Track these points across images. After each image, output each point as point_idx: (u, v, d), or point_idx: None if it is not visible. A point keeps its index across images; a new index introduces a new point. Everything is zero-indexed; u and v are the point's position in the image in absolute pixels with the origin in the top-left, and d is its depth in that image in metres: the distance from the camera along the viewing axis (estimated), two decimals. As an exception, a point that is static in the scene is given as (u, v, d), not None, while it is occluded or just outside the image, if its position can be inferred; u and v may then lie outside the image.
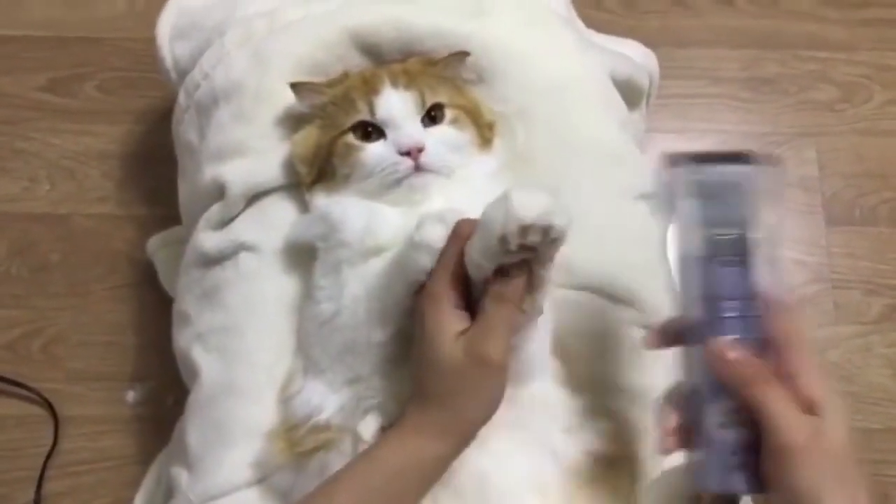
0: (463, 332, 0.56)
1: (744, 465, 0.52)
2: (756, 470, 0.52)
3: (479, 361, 0.55)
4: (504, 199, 0.51)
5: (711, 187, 0.54)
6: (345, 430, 0.64)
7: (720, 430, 0.53)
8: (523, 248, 0.53)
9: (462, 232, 0.56)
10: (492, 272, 0.55)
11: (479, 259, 0.55)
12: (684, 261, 0.55)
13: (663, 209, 0.56)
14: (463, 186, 0.69)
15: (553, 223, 0.51)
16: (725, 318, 0.54)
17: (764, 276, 0.54)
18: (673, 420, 0.56)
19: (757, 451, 0.52)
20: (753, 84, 1.17)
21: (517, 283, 0.55)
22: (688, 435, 0.55)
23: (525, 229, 0.51)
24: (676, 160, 0.55)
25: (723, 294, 0.54)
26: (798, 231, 1.10)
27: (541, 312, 0.60)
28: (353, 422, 0.64)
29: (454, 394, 0.57)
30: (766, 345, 0.54)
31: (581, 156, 0.78)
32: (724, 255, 0.54)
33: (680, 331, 0.56)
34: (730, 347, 0.52)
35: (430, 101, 0.70)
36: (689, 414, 0.55)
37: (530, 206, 0.51)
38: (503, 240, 0.52)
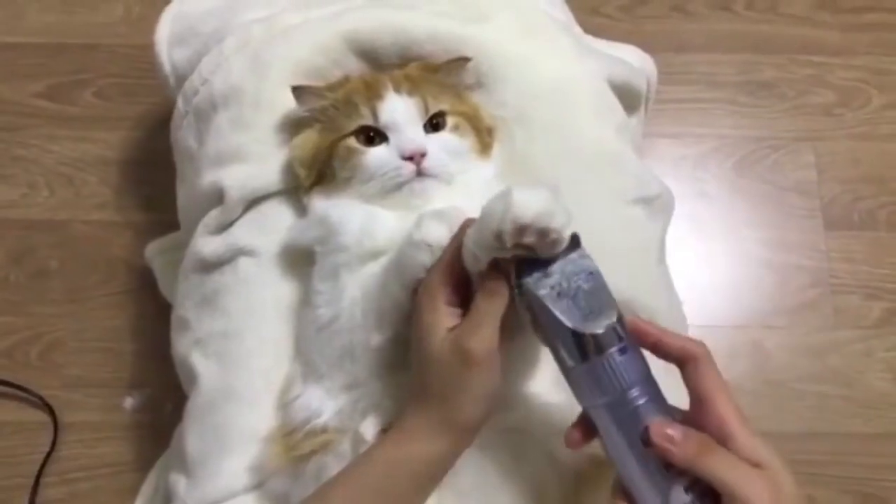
0: (452, 329, 0.56)
1: None
2: None
3: (464, 357, 0.55)
4: (505, 195, 0.51)
5: (558, 288, 0.52)
6: (342, 433, 0.64)
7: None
8: (519, 246, 0.52)
9: (464, 230, 0.57)
10: (486, 266, 0.55)
11: (474, 250, 0.54)
12: (575, 369, 0.52)
13: (541, 322, 0.53)
14: (462, 192, 0.69)
15: (550, 225, 0.51)
16: (638, 406, 0.51)
17: (669, 337, 0.53)
18: None
19: None
20: (751, 88, 1.17)
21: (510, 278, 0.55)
22: None
23: (522, 229, 0.51)
24: (523, 271, 0.53)
25: (625, 384, 0.51)
26: (796, 235, 1.10)
27: None
28: (352, 424, 0.64)
29: (444, 391, 0.56)
30: (679, 412, 0.53)
31: (578, 160, 0.78)
32: (610, 347, 0.51)
33: (594, 430, 0.54)
34: (667, 427, 0.50)
35: (432, 109, 0.71)
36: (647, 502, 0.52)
37: (529, 206, 0.50)
38: (499, 236, 0.51)
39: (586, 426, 0.55)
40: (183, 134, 0.83)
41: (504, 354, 0.57)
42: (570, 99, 0.80)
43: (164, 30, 0.87)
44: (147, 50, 0.88)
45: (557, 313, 0.52)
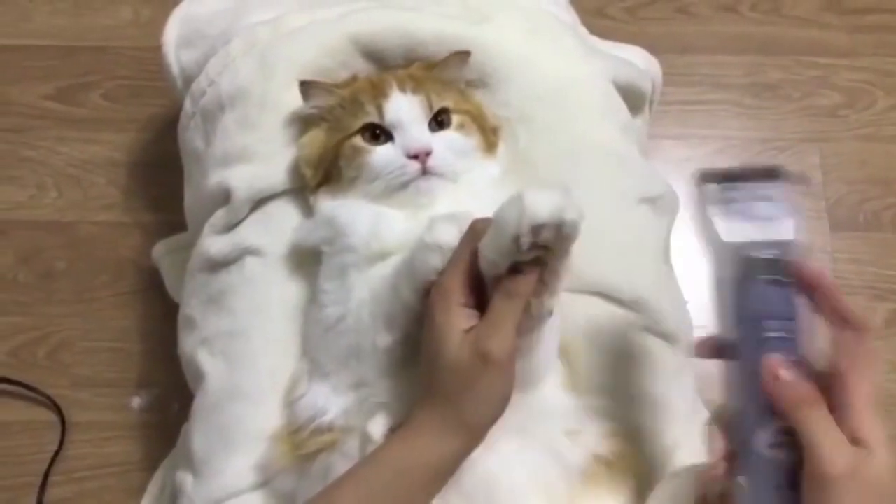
0: (469, 330, 0.56)
1: (790, 487, 0.51)
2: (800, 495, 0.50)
3: (483, 358, 0.55)
4: (517, 199, 0.52)
5: (745, 205, 0.54)
6: (348, 432, 0.65)
7: (769, 450, 0.51)
8: (536, 246, 0.53)
9: (476, 230, 0.57)
10: (505, 270, 0.55)
11: (493, 257, 0.55)
12: (721, 281, 0.54)
13: (697, 228, 0.55)
14: (468, 191, 0.69)
15: (564, 219, 0.51)
16: (769, 337, 0.52)
17: (841, 298, 0.53)
18: (721, 442, 0.55)
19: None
20: (756, 90, 1.17)
21: (529, 279, 0.55)
22: (735, 457, 0.53)
23: (538, 228, 0.51)
24: (707, 178, 0.55)
25: (765, 313, 0.52)
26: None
27: (550, 314, 0.60)
28: (358, 422, 0.64)
29: (459, 392, 0.56)
30: (812, 366, 0.52)
31: (583, 160, 0.78)
32: (762, 274, 0.52)
33: (722, 349, 0.55)
34: (782, 367, 0.51)
35: (437, 106, 0.71)
36: (736, 434, 0.53)
37: (543, 206, 0.51)
38: (516, 239, 0.52)
39: (711, 349, 0.56)
40: (190, 135, 0.84)
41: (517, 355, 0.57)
42: (575, 99, 0.81)
43: (172, 32, 0.88)
44: (155, 52, 0.89)
45: (719, 225, 0.54)
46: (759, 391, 0.51)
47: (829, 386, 0.51)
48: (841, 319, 0.52)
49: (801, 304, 0.53)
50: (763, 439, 0.51)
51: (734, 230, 0.53)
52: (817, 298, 0.53)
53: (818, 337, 0.53)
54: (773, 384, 0.51)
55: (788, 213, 0.54)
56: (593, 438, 0.68)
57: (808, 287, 0.53)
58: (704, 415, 0.86)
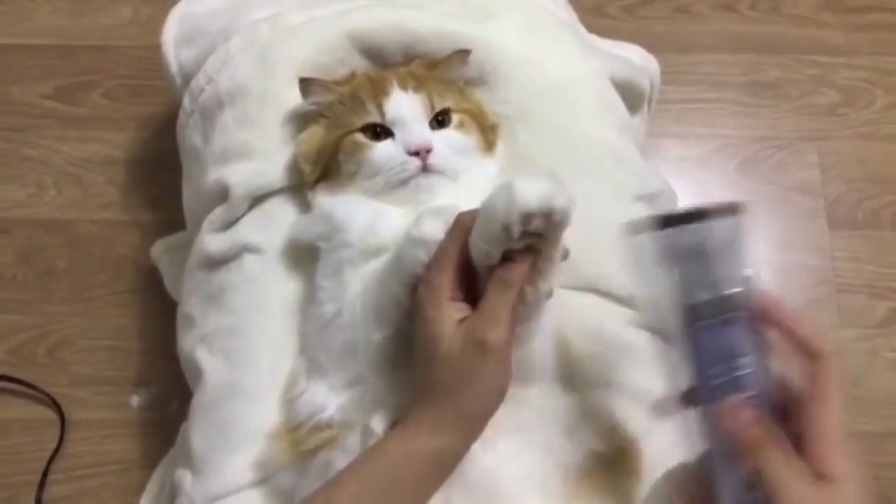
0: (461, 321, 0.56)
1: None
2: None
3: (479, 347, 0.55)
4: (506, 187, 0.52)
5: (699, 247, 0.51)
6: (347, 428, 0.65)
7: (744, 493, 0.50)
8: (527, 234, 0.53)
9: (461, 224, 0.57)
10: (497, 259, 0.55)
11: (484, 247, 0.55)
12: (682, 325, 0.52)
13: (640, 280, 0.54)
14: (467, 189, 0.69)
15: (554, 206, 0.51)
16: (726, 380, 0.51)
17: (797, 325, 0.52)
18: (694, 490, 0.54)
19: None
20: (755, 89, 1.17)
21: (521, 268, 0.56)
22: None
23: (527, 217, 0.51)
24: (658, 223, 0.52)
25: (726, 354, 0.51)
26: (801, 235, 1.10)
27: (549, 296, 0.60)
28: (357, 419, 0.64)
29: (455, 384, 0.56)
30: (775, 399, 0.52)
31: (581, 158, 0.79)
32: (711, 316, 0.51)
33: (684, 400, 0.54)
34: (737, 409, 0.50)
35: (438, 106, 0.71)
36: (709, 481, 0.52)
37: (532, 194, 0.51)
38: (507, 228, 0.52)
39: (674, 403, 0.54)
40: (189, 132, 0.84)
41: (513, 350, 0.57)
42: (573, 97, 0.81)
43: (171, 30, 0.88)
44: (155, 51, 0.89)
45: (675, 272, 0.51)
46: (721, 438, 0.50)
47: (795, 415, 0.50)
48: (802, 347, 0.51)
49: (756, 337, 0.52)
50: (735, 484, 0.50)
51: (691, 273, 0.51)
52: (776, 328, 0.52)
53: (783, 366, 0.52)
54: (730, 429, 0.49)
55: (742, 248, 0.52)
56: (589, 436, 0.68)
57: (762, 319, 0.52)
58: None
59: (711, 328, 0.51)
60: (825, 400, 0.50)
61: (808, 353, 0.51)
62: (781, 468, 0.48)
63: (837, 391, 0.50)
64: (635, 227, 0.52)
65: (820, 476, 0.48)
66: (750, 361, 0.52)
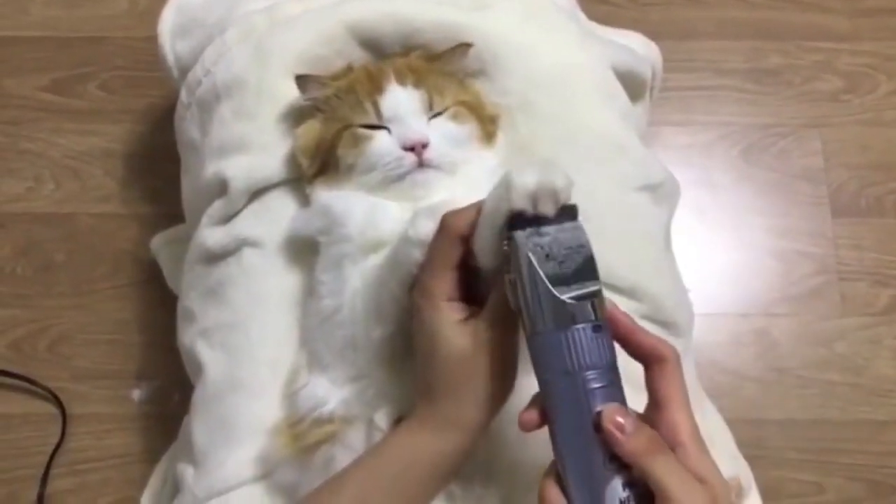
0: (465, 321, 0.56)
1: None
2: None
3: (487, 347, 0.54)
4: (503, 179, 0.51)
5: (547, 250, 0.50)
6: (349, 423, 0.64)
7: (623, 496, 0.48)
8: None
9: (450, 223, 0.55)
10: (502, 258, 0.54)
11: (488, 245, 0.53)
12: (538, 334, 0.50)
13: (510, 280, 0.52)
14: (466, 182, 0.68)
15: (556, 185, 0.49)
16: (595, 388, 0.49)
17: (640, 335, 0.51)
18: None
19: None
20: (757, 75, 1.16)
21: None
22: None
23: (533, 197, 0.49)
24: (515, 225, 0.51)
25: (587, 363, 0.49)
26: (804, 222, 1.09)
27: None
28: (359, 413, 0.64)
29: (461, 384, 0.56)
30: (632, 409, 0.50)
31: (583, 148, 0.78)
32: (579, 321, 0.49)
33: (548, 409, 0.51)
34: (620, 416, 0.48)
35: (437, 106, 0.70)
36: (579, 492, 0.49)
37: (530, 176, 0.49)
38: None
39: (543, 408, 0.52)
40: (186, 125, 0.83)
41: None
42: (574, 86, 0.80)
43: (168, 21, 0.87)
44: (152, 42, 0.88)
45: (540, 272, 0.49)
46: (597, 445, 0.48)
47: (654, 428, 0.49)
48: (645, 355, 0.51)
49: (612, 345, 0.51)
50: (614, 494, 0.48)
51: (544, 274, 0.49)
52: (622, 337, 0.52)
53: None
54: (615, 434, 0.47)
55: (588, 248, 0.51)
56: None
57: (614, 328, 0.51)
58: (706, 403, 0.86)
59: (587, 331, 0.49)
60: (677, 405, 0.50)
61: (653, 359, 0.51)
62: (674, 471, 0.47)
63: (686, 393, 0.50)
64: (515, 224, 0.51)
65: (698, 477, 0.48)
66: (611, 373, 0.50)
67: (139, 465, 0.96)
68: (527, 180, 0.49)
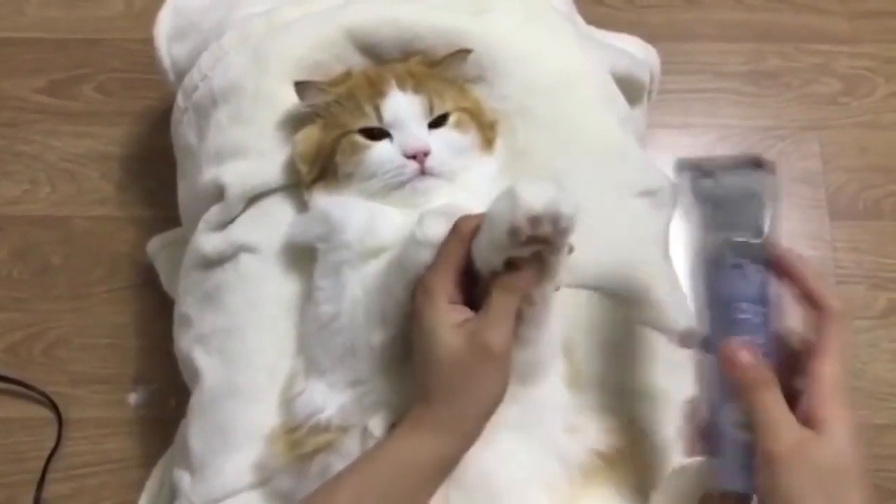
0: (462, 324, 0.56)
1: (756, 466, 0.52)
2: None
3: (482, 350, 0.55)
4: (510, 192, 0.51)
5: (721, 194, 0.55)
6: (346, 431, 0.64)
7: (735, 430, 0.53)
8: (533, 240, 0.52)
9: (462, 227, 0.56)
10: (501, 265, 0.55)
11: (488, 255, 0.54)
12: (697, 265, 0.56)
13: (680, 213, 0.57)
14: (466, 189, 0.69)
15: (561, 211, 0.51)
16: (738, 318, 0.54)
17: (811, 279, 0.54)
18: (696, 423, 0.56)
19: None
20: (756, 78, 1.16)
21: (527, 275, 0.55)
22: (708, 437, 0.55)
23: (535, 220, 0.51)
24: (685, 166, 0.56)
25: (734, 297, 0.54)
26: (802, 225, 1.09)
27: (558, 288, 0.61)
28: (356, 420, 0.64)
29: (455, 387, 0.56)
30: (782, 347, 0.54)
31: (582, 152, 0.78)
32: (734, 258, 0.54)
33: (698, 335, 0.56)
34: (738, 349, 0.52)
35: (438, 110, 0.70)
36: (707, 416, 0.56)
37: (537, 197, 0.51)
38: (513, 232, 0.51)
39: (689, 338, 0.57)
40: (183, 130, 0.83)
41: (514, 351, 0.57)
42: (573, 91, 0.80)
43: (164, 24, 0.87)
44: (148, 44, 0.88)
45: (696, 211, 0.55)
46: (722, 373, 0.53)
47: (801, 369, 0.53)
48: (812, 301, 0.54)
49: (774, 287, 0.54)
50: (727, 419, 0.54)
51: (709, 216, 0.55)
52: (789, 281, 0.55)
53: (795, 318, 0.55)
54: (729, 367, 0.52)
55: (763, 201, 0.55)
56: (593, 434, 0.67)
57: (781, 270, 0.54)
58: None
59: (741, 268, 0.54)
60: (827, 355, 0.52)
61: (819, 308, 0.53)
62: (773, 405, 0.51)
63: (842, 348, 0.52)
64: (681, 165, 0.56)
65: (809, 422, 0.50)
66: (759, 310, 0.54)
67: (136, 469, 0.96)
68: (534, 204, 0.50)
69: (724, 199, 0.55)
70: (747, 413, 0.52)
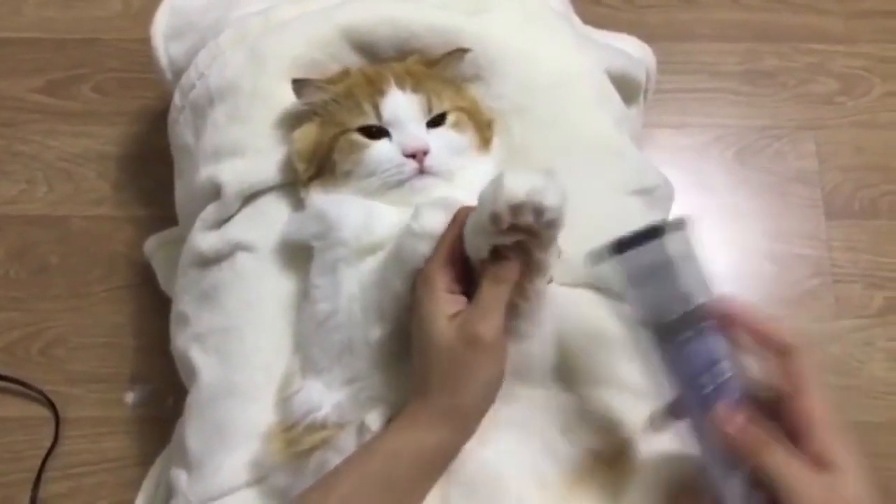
0: (456, 314, 0.56)
1: None
2: None
3: (472, 341, 0.55)
4: (497, 178, 0.51)
5: (638, 273, 0.53)
6: (342, 428, 0.64)
7: (750, 492, 0.51)
8: (517, 228, 0.52)
9: (461, 218, 0.56)
10: (488, 253, 0.55)
11: (473, 240, 0.55)
12: (648, 348, 0.54)
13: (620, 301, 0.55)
14: (463, 189, 0.68)
15: (544, 203, 0.51)
16: (708, 391, 0.52)
17: (764, 325, 0.53)
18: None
19: None
20: (752, 77, 1.16)
21: (513, 265, 0.55)
22: None
23: (515, 208, 0.51)
24: (604, 255, 0.54)
25: (695, 370, 0.52)
26: (798, 225, 1.09)
27: (551, 280, 0.60)
28: (352, 417, 0.64)
29: (449, 377, 0.56)
30: (757, 397, 0.53)
31: (577, 151, 0.78)
32: (679, 333, 0.52)
33: (674, 412, 0.55)
34: (727, 417, 0.51)
35: (436, 109, 0.70)
36: (711, 489, 0.54)
37: (521, 186, 0.50)
38: (494, 218, 0.51)
39: (667, 417, 0.56)
40: (180, 129, 0.83)
41: (509, 346, 0.57)
42: (569, 90, 0.80)
43: (161, 23, 0.87)
44: (145, 44, 0.88)
45: (633, 296, 0.53)
46: (717, 445, 0.52)
47: (781, 411, 0.51)
48: (769, 344, 0.53)
49: (729, 342, 0.53)
50: (736, 493, 0.52)
51: (639, 298, 0.53)
52: (739, 332, 0.53)
53: (757, 365, 0.54)
54: (725, 437, 0.51)
55: (676, 268, 0.53)
56: (589, 434, 0.67)
57: (728, 323, 0.53)
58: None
59: (690, 340, 0.52)
60: (808, 392, 0.51)
61: (778, 348, 0.52)
62: (785, 463, 0.49)
63: (818, 381, 0.51)
64: (598, 257, 0.54)
65: (821, 465, 0.49)
66: (729, 366, 0.53)
67: (133, 468, 0.96)
68: (517, 191, 0.50)
69: (645, 278, 0.53)
70: (760, 478, 0.50)
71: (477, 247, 0.55)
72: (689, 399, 0.53)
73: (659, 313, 0.52)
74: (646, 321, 0.53)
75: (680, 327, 0.52)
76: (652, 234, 0.53)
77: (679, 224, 0.54)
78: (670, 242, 0.53)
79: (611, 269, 0.53)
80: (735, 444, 0.50)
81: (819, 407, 0.51)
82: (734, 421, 0.51)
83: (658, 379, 0.54)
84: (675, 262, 0.53)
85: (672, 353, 0.52)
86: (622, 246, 0.53)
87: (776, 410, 0.52)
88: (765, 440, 0.50)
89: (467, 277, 0.58)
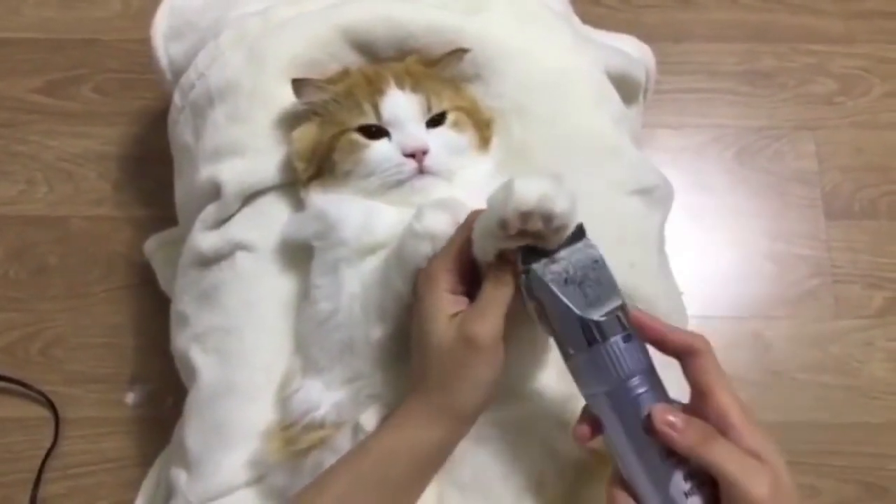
0: (456, 314, 0.56)
1: None
2: None
3: (469, 341, 0.55)
4: (508, 184, 0.51)
5: (574, 272, 0.53)
6: (340, 427, 0.64)
7: (687, 498, 0.50)
8: (525, 234, 0.52)
9: (471, 220, 0.56)
10: (493, 257, 0.55)
11: (481, 243, 0.55)
12: (575, 358, 0.53)
13: (535, 308, 0.54)
14: (463, 188, 0.69)
15: (554, 210, 0.51)
16: (639, 394, 0.52)
17: (669, 332, 0.54)
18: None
19: None
20: (751, 78, 1.16)
21: (516, 268, 0.55)
22: None
23: (525, 215, 0.51)
24: (530, 259, 0.53)
25: (627, 372, 0.52)
26: (797, 225, 1.09)
27: None
28: (350, 417, 0.64)
29: (446, 376, 0.57)
30: (678, 403, 0.53)
31: (576, 151, 0.78)
32: (611, 334, 0.52)
33: (598, 422, 0.54)
34: (666, 413, 0.50)
35: (435, 108, 0.71)
36: (645, 491, 0.52)
37: (531, 192, 0.50)
38: (503, 224, 0.51)
39: (593, 420, 0.54)
40: (180, 129, 0.83)
41: (508, 346, 0.57)
42: (568, 90, 0.80)
43: (161, 24, 0.87)
44: (145, 44, 0.88)
45: (564, 299, 0.52)
46: (652, 446, 0.51)
47: (698, 412, 0.52)
48: (677, 350, 0.53)
49: (644, 348, 0.53)
50: (678, 490, 0.51)
51: (577, 297, 0.52)
52: (652, 340, 0.54)
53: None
54: (668, 433, 0.50)
55: (603, 263, 0.54)
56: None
57: (642, 333, 0.54)
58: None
59: (618, 344, 0.52)
60: (717, 389, 0.52)
61: (685, 352, 0.53)
62: (730, 454, 0.49)
63: (724, 378, 0.52)
64: (529, 258, 0.53)
65: (755, 455, 0.49)
66: (653, 369, 0.53)
67: (133, 468, 0.96)
68: (528, 198, 0.50)
69: (581, 277, 0.53)
70: (696, 474, 0.50)
71: (484, 250, 0.55)
72: (621, 402, 0.52)
73: (595, 311, 0.52)
74: (580, 320, 0.52)
75: (614, 327, 0.52)
76: (577, 235, 0.54)
77: (582, 229, 0.54)
78: (590, 243, 0.54)
79: (538, 274, 0.53)
80: (680, 440, 0.50)
81: (734, 402, 0.51)
82: (677, 416, 0.50)
83: (581, 387, 0.54)
84: (604, 259, 0.54)
85: (605, 354, 0.52)
86: (530, 256, 0.53)
87: (693, 412, 0.52)
88: (710, 432, 0.50)
89: (475, 280, 0.58)
